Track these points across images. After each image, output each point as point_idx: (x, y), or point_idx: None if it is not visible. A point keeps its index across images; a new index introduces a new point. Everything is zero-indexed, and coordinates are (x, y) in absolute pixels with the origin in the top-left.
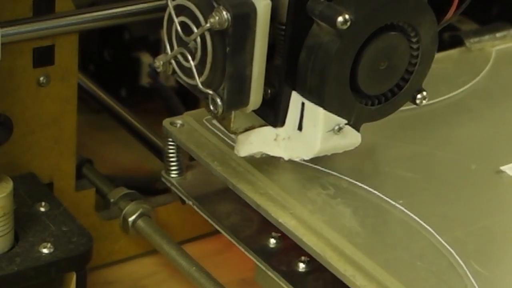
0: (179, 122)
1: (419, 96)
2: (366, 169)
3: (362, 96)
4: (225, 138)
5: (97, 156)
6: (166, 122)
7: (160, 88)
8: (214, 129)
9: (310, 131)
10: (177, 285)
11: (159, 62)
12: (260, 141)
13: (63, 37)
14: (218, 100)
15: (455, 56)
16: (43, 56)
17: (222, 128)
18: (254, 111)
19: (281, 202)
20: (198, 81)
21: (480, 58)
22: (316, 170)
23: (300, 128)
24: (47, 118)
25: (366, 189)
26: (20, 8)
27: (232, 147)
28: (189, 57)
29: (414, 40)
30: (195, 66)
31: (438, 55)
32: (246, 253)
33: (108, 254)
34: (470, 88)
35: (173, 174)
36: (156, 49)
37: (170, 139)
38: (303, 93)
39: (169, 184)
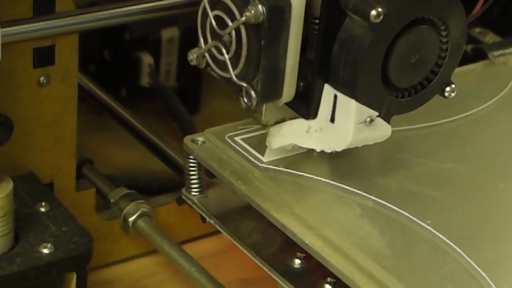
0: (200, 139)
1: (447, 89)
2: (392, 187)
3: (392, 89)
4: (248, 156)
5: (97, 156)
6: (187, 139)
7: (160, 88)
8: (236, 146)
9: (342, 123)
10: (177, 285)
11: (192, 56)
12: (292, 133)
13: (64, 37)
14: (252, 93)
15: (479, 70)
16: (44, 56)
17: (245, 145)
18: (286, 103)
19: (307, 222)
20: (232, 74)
21: (503, 72)
22: (341, 189)
23: (332, 120)
24: (48, 118)
25: (393, 208)
26: (21, 8)
27: (255, 164)
28: (224, 50)
29: (443, 33)
30: (230, 59)
31: (462, 69)
32: (270, 273)
33: (108, 254)
34: (495, 103)
35: (194, 192)
36: (156, 49)
37: (191, 157)
38: (335, 86)
39: (190, 202)
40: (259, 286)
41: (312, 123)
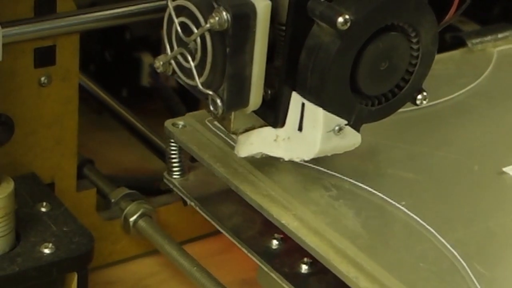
0: (181, 123)
1: (419, 96)
2: (368, 170)
3: (362, 97)
4: (227, 139)
5: (98, 156)
6: (168, 123)
7: (161, 88)
8: (216, 130)
9: (310, 131)
10: (178, 285)
11: (159, 63)
12: (260, 141)
13: (64, 37)
14: (218, 101)
15: (457, 57)
16: (44, 56)
17: (224, 129)
18: (254, 111)
19: (284, 204)
20: (198, 81)
21: (482, 59)
22: (318, 171)
23: (300, 128)
24: (49, 118)
25: (368, 190)
26: (22, 8)
27: (233, 148)
28: (189, 58)
29: (414, 40)
30: (195, 66)
31: (440, 56)
32: (248, 254)
33: (109, 254)
34: (472, 89)
35: (175, 175)
36: (157, 49)
37: (172, 140)
38: (303, 94)
39: (171, 185)
40: (260, 287)
41: (280, 131)
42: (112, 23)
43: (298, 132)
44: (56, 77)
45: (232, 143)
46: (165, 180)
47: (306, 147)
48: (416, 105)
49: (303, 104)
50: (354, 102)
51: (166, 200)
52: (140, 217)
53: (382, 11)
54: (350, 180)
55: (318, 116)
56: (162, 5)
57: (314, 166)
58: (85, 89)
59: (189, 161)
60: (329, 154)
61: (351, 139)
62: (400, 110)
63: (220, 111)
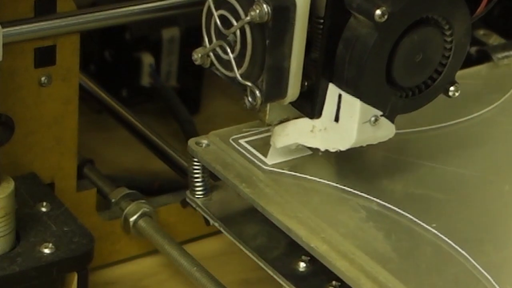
0: (204, 142)
1: (451, 88)
2: (396, 190)
3: (397, 88)
4: (252, 158)
5: (98, 156)
6: (191, 142)
7: (161, 88)
8: (241, 149)
9: (347, 122)
10: (178, 286)
11: (197, 55)
12: (296, 132)
13: (65, 37)
14: (257, 92)
15: (483, 72)
16: (45, 56)
17: (249, 148)
18: (290, 103)
19: (311, 226)
20: (237, 73)
21: (508, 74)
22: (345, 192)
23: (336, 119)
24: (49, 118)
25: (397, 211)
26: (22, 8)
27: (259, 167)
28: (228, 50)
29: (447, 33)
30: (234, 58)
31: (466, 71)
32: (275, 276)
33: (109, 254)
34: (499, 106)
35: (198, 195)
36: (157, 49)
37: (196, 160)
38: (340, 85)
39: (194, 205)
40: (260, 287)
41: (316, 122)
42: (112, 23)
43: (334, 122)
44: (56, 77)
45: (257, 162)
46: (187, 200)
47: (342, 138)
48: (449, 96)
49: (340, 95)
50: (389, 93)
51: (166, 200)
52: (140, 217)
53: (418, 4)
54: (379, 201)
55: (355, 107)
56: (162, 5)
57: (341, 186)
58: (85, 89)
59: (212, 180)
60: (364, 145)
61: (386, 130)
62: (427, 127)
63: (258, 102)
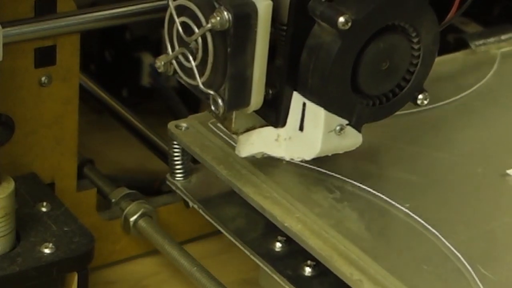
0: (184, 125)
1: (420, 96)
2: (371, 171)
3: (363, 96)
4: (230, 141)
5: (98, 156)
6: (171, 125)
7: (161, 88)
8: (219, 132)
9: (312, 131)
10: (178, 285)
11: (160, 63)
12: (261, 141)
13: (65, 37)
14: (219, 101)
15: (460, 59)
16: (45, 56)
17: (227, 131)
18: (255, 111)
19: (287, 206)
20: (199, 81)
21: (485, 61)
22: (320, 173)
23: (301, 128)
24: (49, 118)
25: (371, 192)
26: (22, 8)
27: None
28: (190, 58)
29: (415, 40)
30: (196, 66)
31: (443, 58)
32: (251, 256)
33: (109, 254)
34: (475, 91)
35: (178, 177)
36: (157, 49)
37: (175, 142)
38: (304, 94)
39: (174, 187)
40: (261, 287)
41: (281, 131)
42: (112, 23)
43: (299, 132)
44: (56, 77)
45: (235, 144)
46: (168, 182)
47: (307, 147)
48: (417, 105)
49: (304, 104)
50: (355, 101)
51: (166, 200)
52: (140, 217)
53: (383, 11)
54: (353, 181)
55: (319, 116)
56: (162, 5)
57: (316, 168)
58: (85, 89)
59: (192, 163)
60: (330, 154)
61: (352, 139)
62: (403, 111)
63: (221, 110)
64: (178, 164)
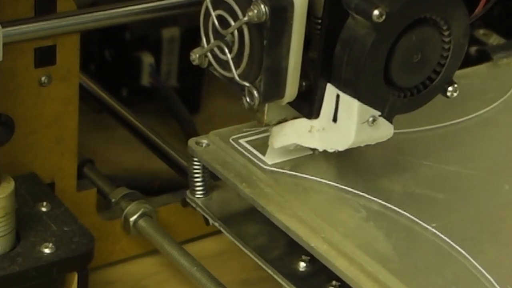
0: (204, 141)
1: (450, 88)
2: (397, 190)
3: (395, 88)
4: (252, 158)
5: (98, 156)
6: (191, 142)
7: (161, 88)
8: (241, 149)
9: (345, 122)
10: (178, 285)
11: (195, 55)
12: (294, 132)
13: (65, 37)
14: (255, 92)
15: (483, 72)
16: (45, 56)
17: (249, 148)
18: (288, 103)
19: (312, 225)
20: (235, 73)
21: (508, 74)
22: (345, 191)
23: (335, 119)
24: (49, 118)
25: (397, 211)
26: (22, 8)
27: (259, 167)
28: (226, 50)
29: (446, 33)
30: (232, 58)
31: (466, 71)
32: (275, 276)
33: (109, 254)
34: (499, 105)
35: (198, 195)
36: (157, 49)
37: (196, 159)
38: (338, 86)
39: (194, 205)
40: (260, 287)
41: (314, 122)
42: (112, 23)
43: (332, 123)
44: (56, 77)
45: (257, 161)
46: (187, 200)
47: (340, 138)
48: (447, 97)
49: (337, 96)
50: (388, 93)
51: (166, 200)
52: (140, 217)
53: (416, 4)
54: (378, 200)
55: (353, 108)
56: (162, 5)
57: (341, 186)
58: (85, 89)
59: (212, 180)
60: (362, 145)
61: (384, 130)
62: (427, 127)
63: (256, 102)
64: (198, 182)
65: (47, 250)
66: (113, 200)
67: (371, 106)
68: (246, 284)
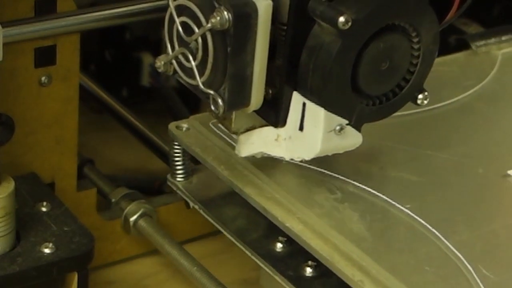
0: (185, 125)
1: (420, 96)
2: (372, 172)
3: (363, 96)
4: (231, 142)
5: (98, 156)
6: (172, 125)
7: (161, 88)
8: (220, 133)
9: (311, 131)
10: (178, 285)
11: (160, 62)
12: (261, 141)
13: (65, 37)
14: (219, 100)
15: (461, 60)
16: (45, 56)
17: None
18: (255, 111)
19: (288, 206)
20: (199, 81)
21: (486, 62)
22: (321, 173)
23: (301, 128)
24: (49, 118)
25: (372, 192)
26: (22, 8)
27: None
28: (190, 57)
29: (415, 40)
30: (196, 66)
31: (444, 58)
32: (252, 257)
33: (109, 254)
34: (476, 92)
35: (179, 178)
36: (157, 49)
37: (176, 143)
38: (304, 93)
39: (174, 188)
40: (260, 286)
41: (281, 131)
42: (112, 23)
43: (299, 131)
44: (56, 77)
45: (235, 145)
46: (168, 183)
47: (307, 147)
48: (417, 104)
49: (304, 104)
50: (355, 101)
51: (166, 200)
52: (140, 217)
53: (383, 11)
54: (354, 182)
55: (319, 116)
56: (162, 5)
57: (317, 169)
58: (85, 89)
59: (193, 163)
60: (330, 154)
61: (352, 138)
62: (404, 112)
63: (221, 110)
64: (179, 165)
65: (47, 250)
66: (113, 200)
67: (338, 115)
68: (246, 284)
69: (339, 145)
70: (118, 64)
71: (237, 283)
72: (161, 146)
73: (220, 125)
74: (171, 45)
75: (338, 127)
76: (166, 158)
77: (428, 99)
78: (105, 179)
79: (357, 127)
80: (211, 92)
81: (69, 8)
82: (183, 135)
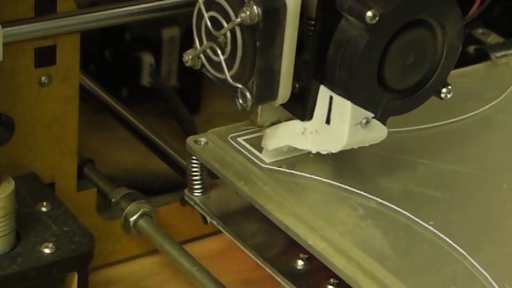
0: (203, 140)
1: (444, 90)
2: (395, 188)
3: (388, 90)
4: (250, 156)
5: (98, 156)
6: (189, 140)
7: (161, 88)
8: (239, 147)
9: (338, 124)
10: (178, 285)
11: (187, 57)
12: (288, 134)
13: (65, 37)
14: (248, 94)
15: (481, 71)
16: (45, 56)
17: (247, 146)
18: (281, 105)
19: (310, 223)
20: (227, 75)
21: (506, 73)
22: (343, 190)
23: (328, 121)
24: (49, 118)
25: (395, 209)
26: (22, 8)
27: (257, 165)
28: (219, 51)
29: (440, 35)
30: (225, 60)
31: (464, 70)
32: (273, 274)
33: (109, 254)
34: (497, 104)
35: (197, 193)
36: (157, 49)
37: (194, 157)
38: (331, 87)
39: (192, 203)
40: (261, 286)
41: (307, 124)
42: (112, 23)
43: (325, 125)
44: (57, 77)
45: (256, 160)
46: (186, 198)
47: (333, 140)
48: (441, 98)
49: (331, 97)
50: (381, 95)
51: (166, 200)
52: (140, 217)
53: (410, 6)
54: (376, 198)
55: (346, 109)
56: (162, 5)
57: (339, 184)
58: (85, 89)
59: (210, 178)
60: (355, 147)
61: (378, 131)
62: (424, 125)
63: (249, 104)
64: (196, 180)
65: (47, 250)
66: (113, 200)
67: (364, 108)
68: (246, 284)
69: (365, 138)
70: (118, 64)
71: (237, 283)
72: (161, 146)
73: (243, 142)
74: (199, 40)
75: (364, 120)
76: (166, 158)
77: (451, 93)
78: (105, 179)
79: (383, 121)
80: (240, 86)
81: (69, 8)
82: (201, 150)
